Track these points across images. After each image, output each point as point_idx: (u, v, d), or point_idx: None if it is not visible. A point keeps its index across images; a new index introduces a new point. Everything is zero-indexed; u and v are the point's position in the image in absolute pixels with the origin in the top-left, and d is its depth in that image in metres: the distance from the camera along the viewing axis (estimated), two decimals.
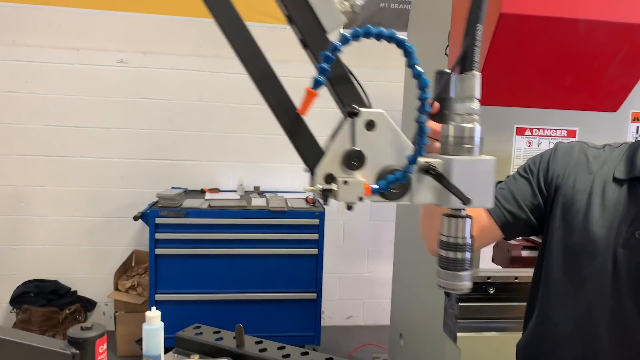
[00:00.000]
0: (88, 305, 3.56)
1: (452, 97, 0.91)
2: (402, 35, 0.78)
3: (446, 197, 0.84)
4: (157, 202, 3.17)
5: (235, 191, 3.60)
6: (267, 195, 3.53)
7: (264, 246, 3.14)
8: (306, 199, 3.46)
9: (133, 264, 3.58)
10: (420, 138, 0.83)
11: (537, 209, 1.20)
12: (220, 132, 3.62)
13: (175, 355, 1.35)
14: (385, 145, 0.85)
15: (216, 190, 3.60)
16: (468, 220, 0.87)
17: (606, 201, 1.10)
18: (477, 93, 0.85)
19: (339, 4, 0.88)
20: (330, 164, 0.85)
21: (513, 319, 2.07)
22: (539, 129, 2.00)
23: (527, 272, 2.12)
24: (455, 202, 0.83)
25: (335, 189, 0.85)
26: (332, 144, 0.86)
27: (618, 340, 1.05)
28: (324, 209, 3.26)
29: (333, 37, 0.83)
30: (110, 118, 3.48)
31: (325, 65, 0.78)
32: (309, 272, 3.23)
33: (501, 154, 2.05)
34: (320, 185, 0.86)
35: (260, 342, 1.37)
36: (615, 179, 1.11)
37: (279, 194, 3.56)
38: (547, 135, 2.00)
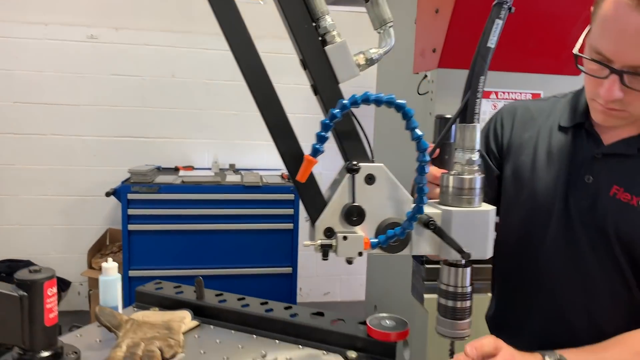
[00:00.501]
0: (62, 285, 3.53)
1: (452, 143, 0.93)
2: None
3: (446, 250, 0.86)
4: (129, 178, 3.14)
5: (210, 169, 3.58)
6: (243, 172, 3.52)
7: (239, 221, 3.14)
8: (282, 175, 3.46)
9: (107, 243, 3.56)
10: (419, 198, 0.83)
11: (497, 179, 1.22)
12: (194, 109, 3.59)
13: (135, 308, 1.34)
14: (385, 198, 0.87)
15: (190, 167, 3.58)
16: (468, 270, 0.89)
17: (552, 150, 1.11)
18: (478, 145, 0.87)
19: (356, 56, 0.88)
20: (330, 218, 0.86)
21: (480, 280, 2.11)
22: (504, 92, 2.02)
23: None
24: (455, 255, 0.85)
25: (335, 244, 0.85)
26: (332, 199, 0.86)
27: (580, 287, 1.05)
28: None
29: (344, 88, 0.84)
30: (81, 95, 3.43)
31: (324, 134, 0.78)
32: (285, 246, 3.24)
33: None
34: (320, 240, 0.86)
35: (221, 294, 1.37)
36: (560, 128, 1.12)
37: (255, 171, 3.55)
38: (512, 99, 2.02)
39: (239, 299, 1.33)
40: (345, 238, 0.85)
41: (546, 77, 2.03)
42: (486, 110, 2.00)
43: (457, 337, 0.91)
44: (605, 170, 1.03)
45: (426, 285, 2.02)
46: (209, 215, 3.09)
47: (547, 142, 1.13)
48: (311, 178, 0.88)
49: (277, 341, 1.22)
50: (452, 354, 0.93)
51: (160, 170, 3.46)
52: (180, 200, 3.07)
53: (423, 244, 0.87)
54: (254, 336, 1.24)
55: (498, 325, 1.26)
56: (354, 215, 0.85)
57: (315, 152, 0.79)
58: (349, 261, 0.89)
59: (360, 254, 0.86)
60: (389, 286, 2.79)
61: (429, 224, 0.84)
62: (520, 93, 2.03)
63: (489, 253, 0.86)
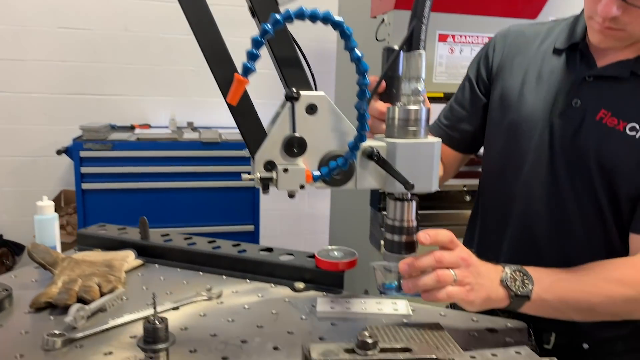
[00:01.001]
0: (15, 249, 3.41)
1: (401, 76, 0.88)
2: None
3: (391, 183, 0.83)
4: (81, 135, 3.01)
5: (167, 127, 3.48)
6: (201, 130, 3.43)
7: (197, 179, 3.06)
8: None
9: (62, 204, 3.44)
10: (360, 125, 0.79)
11: (483, 109, 1.19)
12: (149, 64, 3.46)
13: (76, 251, 1.29)
14: (328, 130, 0.83)
15: (147, 126, 3.46)
16: (414, 204, 0.87)
17: (542, 74, 1.07)
18: (423, 73, 0.83)
19: None
20: (270, 150, 0.82)
21: (437, 226, 2.12)
22: (460, 36, 2.00)
23: (452, 182, 2.16)
24: (400, 188, 0.83)
25: (275, 177, 0.81)
26: (271, 130, 0.82)
27: (554, 218, 1.04)
28: None
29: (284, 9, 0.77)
30: (27, 49, 3.25)
31: (254, 51, 0.72)
32: (246, 204, 3.19)
33: None
34: (260, 173, 0.82)
35: (167, 234, 1.33)
36: (555, 51, 1.08)
37: (214, 129, 3.47)
38: (468, 42, 2.00)
39: (186, 238, 1.29)
40: (285, 170, 0.82)
41: (503, 20, 2.02)
42: (443, 54, 1.98)
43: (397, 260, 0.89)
44: (595, 93, 1.00)
45: (382, 231, 2.02)
46: (166, 173, 3.00)
47: (538, 65, 1.09)
48: (250, 109, 0.84)
49: (224, 277, 1.19)
50: (399, 288, 0.91)
51: (115, 128, 3.34)
52: (135, 157, 2.96)
53: (368, 177, 0.85)
54: (201, 273, 1.21)
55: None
56: (294, 146, 0.82)
57: (246, 70, 0.74)
58: (291, 194, 0.86)
59: (302, 187, 0.83)
60: (351, 241, 2.80)
61: (372, 155, 0.82)
62: (477, 36, 2.00)
63: (434, 186, 0.84)
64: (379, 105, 0.91)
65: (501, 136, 1.12)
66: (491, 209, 1.18)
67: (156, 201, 3.04)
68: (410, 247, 0.88)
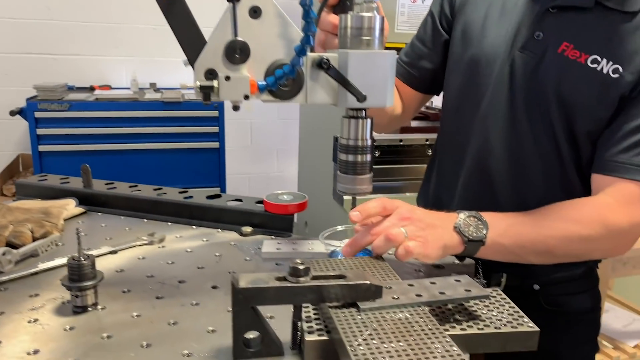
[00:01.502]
0: None
1: None
2: None
3: (343, 97, 0.78)
4: (36, 96, 2.89)
5: (128, 88, 3.36)
6: (164, 91, 3.32)
7: (160, 141, 2.97)
8: None
9: (21, 169, 3.32)
10: (306, 25, 0.73)
11: (444, 45, 1.14)
12: (108, 22, 3.31)
13: (15, 200, 1.22)
14: (274, 36, 0.77)
15: (107, 87, 3.34)
16: (368, 122, 0.82)
17: (506, 7, 1.02)
18: None
19: None
20: (211, 57, 0.75)
21: (398, 180, 2.10)
22: None
23: (414, 136, 2.14)
24: (352, 101, 0.77)
25: (217, 85, 0.75)
26: (212, 35, 0.75)
27: (511, 155, 1.00)
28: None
29: None
30: None
31: None
32: (212, 166, 3.12)
33: (385, 12, 1.98)
34: (200, 82, 0.75)
35: (111, 183, 1.27)
36: None
37: (177, 90, 3.36)
38: None
39: (131, 186, 1.23)
40: (227, 78, 0.76)
41: None
42: (405, 3, 1.92)
43: (359, 193, 0.87)
44: (557, 25, 0.96)
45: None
46: (126, 134, 2.91)
47: None
48: (186, 12, 0.78)
49: (169, 223, 1.15)
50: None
51: (74, 90, 3.21)
52: (94, 118, 2.86)
53: (319, 90, 0.79)
54: (145, 220, 1.16)
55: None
56: (236, 51, 0.76)
57: None
58: (235, 107, 0.80)
59: (246, 97, 0.77)
60: (318, 203, 2.77)
61: (321, 63, 0.77)
62: None
63: (388, 101, 0.80)
64: (332, 18, 0.86)
65: (461, 72, 1.08)
66: (448, 148, 1.14)
67: (117, 163, 2.96)
68: (363, 167, 0.84)
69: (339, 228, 1.04)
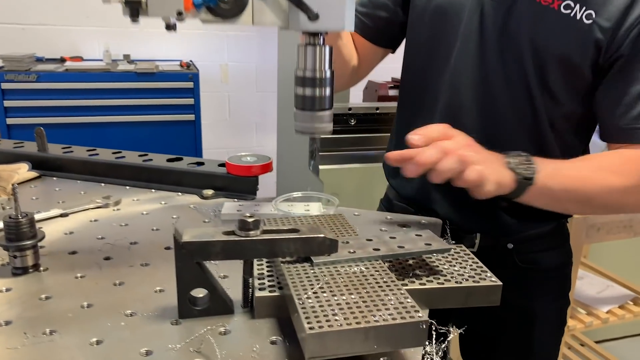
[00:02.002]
0: None
1: None
2: None
3: (294, 18, 0.68)
4: (2, 66, 2.78)
5: (101, 60, 3.25)
6: (138, 62, 3.22)
7: (133, 113, 2.89)
8: (180, 64, 3.21)
9: None
10: None
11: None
12: None
13: None
14: None
15: (79, 58, 3.23)
16: (327, 49, 0.73)
17: None
18: None
19: None
20: None
21: (374, 149, 2.07)
22: None
23: (388, 104, 2.10)
24: (305, 23, 0.67)
25: (145, 0, 0.67)
26: None
27: (482, 110, 0.95)
28: (198, 70, 3.04)
29: None
30: None
31: None
32: (187, 139, 3.05)
33: None
34: None
35: (68, 147, 1.21)
36: None
37: (152, 62, 3.27)
38: None
39: (88, 150, 1.18)
40: None
41: None
42: None
43: (318, 132, 0.76)
44: None
45: (320, 156, 1.95)
46: (98, 106, 2.82)
47: None
48: None
49: (127, 187, 1.10)
50: (312, 155, 0.83)
51: (43, 61, 3.10)
52: (64, 90, 2.76)
53: (266, 11, 0.71)
54: (102, 184, 1.11)
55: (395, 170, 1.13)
56: None
57: None
58: (168, 25, 0.72)
59: (179, 14, 0.69)
60: (298, 178, 2.73)
61: None
62: None
63: (347, 24, 0.72)
64: None
65: (425, 26, 1.02)
66: (413, 107, 1.09)
67: (89, 137, 2.87)
68: (322, 102, 0.74)
69: (295, 194, 1.00)
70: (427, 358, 0.60)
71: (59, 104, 2.77)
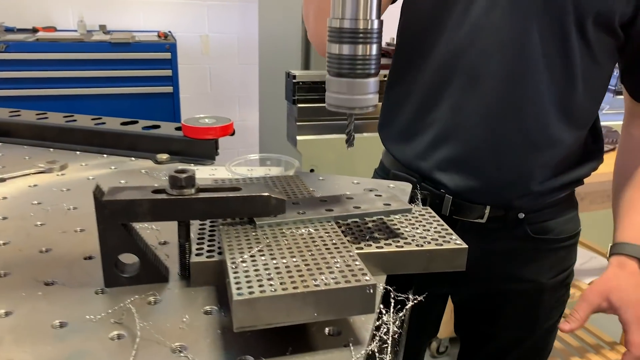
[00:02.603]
0: None
1: None
2: None
3: None
4: None
5: (75, 30, 3.13)
6: (114, 33, 3.11)
7: (108, 85, 2.79)
8: (158, 34, 3.10)
9: None
10: None
11: None
12: None
13: None
14: None
15: (52, 29, 3.11)
16: None
17: None
18: None
19: None
20: None
21: (356, 119, 1.99)
22: None
23: None
24: None
25: None
26: None
27: (512, 70, 0.83)
28: (175, 40, 2.93)
29: None
30: None
31: None
32: (166, 113, 2.96)
33: None
34: None
35: (17, 111, 1.13)
36: None
37: (128, 32, 3.15)
38: None
39: (38, 114, 1.09)
40: None
41: None
42: None
43: (359, 107, 0.56)
44: None
45: (298, 125, 1.88)
46: (71, 77, 2.72)
47: None
48: None
49: (77, 152, 1.02)
50: (349, 139, 0.63)
51: (14, 31, 2.97)
52: (35, 60, 2.66)
53: None
54: (51, 150, 1.03)
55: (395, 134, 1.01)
56: None
57: None
58: None
59: None
60: (278, 148, 2.65)
61: None
62: None
63: None
64: None
65: None
66: (413, 69, 0.94)
67: (62, 109, 2.75)
68: (366, 65, 0.55)
69: (251, 156, 0.93)
70: (384, 328, 0.54)
71: (29, 75, 2.67)
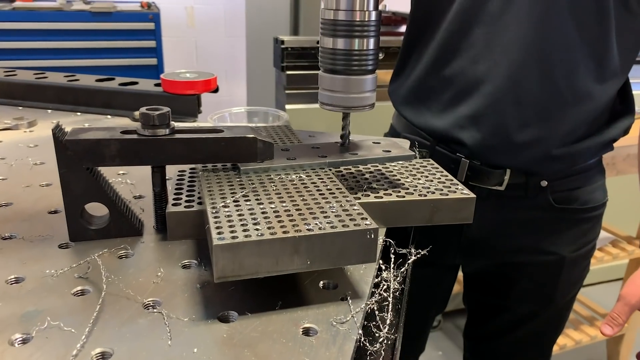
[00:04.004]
0: None
1: None
2: None
3: None
4: None
5: (54, 1, 3.00)
6: (94, 3, 2.98)
7: (89, 56, 2.69)
8: (141, 4, 2.98)
9: None
10: None
11: None
12: None
13: None
14: None
15: None
16: None
17: None
18: None
19: None
20: None
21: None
22: None
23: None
24: None
25: None
26: None
27: (539, 28, 0.75)
28: (159, 9, 2.82)
29: None
30: None
31: None
32: None
33: None
34: None
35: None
36: None
37: (110, 2, 3.03)
38: None
39: (6, 71, 1.01)
40: None
41: None
42: None
43: (355, 107, 0.52)
44: None
45: (287, 94, 1.80)
46: (50, 49, 2.61)
47: None
48: None
49: (49, 111, 0.94)
50: (343, 142, 0.58)
51: None
52: (12, 30, 2.54)
53: None
54: (20, 107, 0.95)
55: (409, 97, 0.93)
56: None
57: None
58: None
59: None
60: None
61: None
62: None
63: None
64: None
65: None
66: (439, 27, 0.85)
67: None
68: (362, 61, 0.50)
69: (235, 110, 0.86)
70: (383, 285, 0.48)
71: (6, 45, 2.55)
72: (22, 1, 2.90)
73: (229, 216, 0.41)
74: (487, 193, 0.85)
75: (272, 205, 0.43)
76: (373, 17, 0.50)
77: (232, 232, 0.39)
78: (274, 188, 0.47)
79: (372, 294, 0.45)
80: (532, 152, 0.81)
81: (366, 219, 0.41)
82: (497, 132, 0.80)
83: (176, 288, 0.43)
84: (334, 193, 0.47)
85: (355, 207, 0.43)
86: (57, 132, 0.46)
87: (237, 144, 0.50)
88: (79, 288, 0.42)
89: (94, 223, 0.49)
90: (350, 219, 0.41)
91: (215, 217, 0.41)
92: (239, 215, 0.42)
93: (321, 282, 0.44)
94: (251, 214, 0.42)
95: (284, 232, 0.39)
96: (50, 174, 0.65)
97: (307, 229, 0.39)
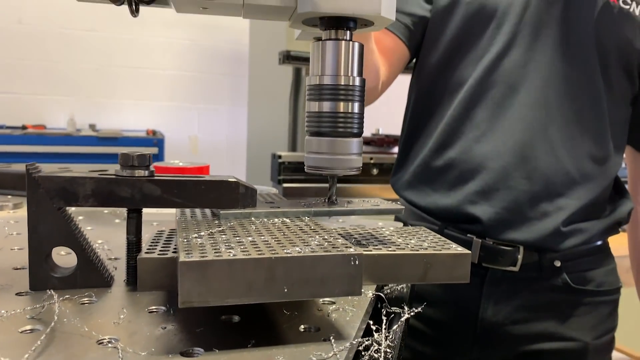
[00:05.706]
0: None
1: None
2: None
3: None
4: None
5: (64, 129, 3.16)
6: (102, 130, 3.14)
7: None
8: (146, 132, 3.13)
9: None
10: None
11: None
12: (46, 60, 3.17)
13: None
14: None
15: (42, 127, 3.13)
16: (356, 47, 0.50)
17: None
18: None
19: None
20: None
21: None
22: None
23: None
24: (325, 2, 0.45)
25: None
26: None
27: (537, 112, 0.83)
28: (164, 136, 2.95)
29: None
30: None
31: None
32: None
33: None
34: None
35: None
36: None
37: (116, 130, 3.19)
38: None
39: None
40: None
41: None
42: None
43: (341, 169, 0.50)
44: None
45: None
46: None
47: None
48: None
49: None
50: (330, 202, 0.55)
51: (3, 128, 2.99)
52: (23, 153, 2.63)
53: None
54: (9, 197, 0.94)
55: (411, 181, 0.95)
56: None
57: None
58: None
59: None
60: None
61: None
62: None
63: (385, 11, 0.48)
64: None
65: (453, 20, 0.87)
66: (441, 115, 0.90)
67: None
68: (347, 123, 0.50)
69: None
70: (374, 347, 0.43)
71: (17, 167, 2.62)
72: (34, 129, 3.06)
73: (200, 244, 0.38)
74: (502, 275, 0.82)
75: (250, 238, 0.40)
76: (357, 82, 0.50)
77: (202, 253, 0.35)
78: (254, 228, 0.44)
79: (361, 356, 0.40)
80: (544, 226, 0.81)
81: (350, 247, 0.38)
82: (509, 206, 0.81)
83: (139, 328, 0.38)
84: (318, 231, 0.44)
85: (339, 240, 0.40)
86: (32, 168, 0.45)
87: (218, 187, 0.48)
88: (28, 327, 0.37)
89: (58, 271, 0.46)
90: (332, 247, 0.38)
91: (185, 244, 0.38)
92: (212, 243, 0.38)
93: (302, 326, 0.39)
94: (225, 242, 0.39)
95: (259, 253, 0.35)
96: (25, 241, 0.62)
97: (285, 252, 0.36)
